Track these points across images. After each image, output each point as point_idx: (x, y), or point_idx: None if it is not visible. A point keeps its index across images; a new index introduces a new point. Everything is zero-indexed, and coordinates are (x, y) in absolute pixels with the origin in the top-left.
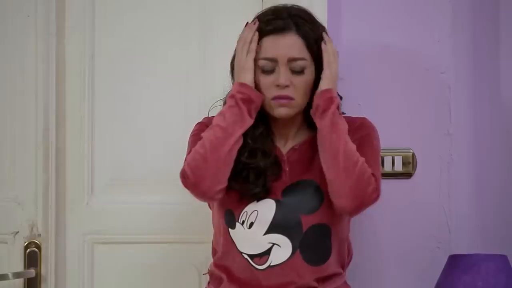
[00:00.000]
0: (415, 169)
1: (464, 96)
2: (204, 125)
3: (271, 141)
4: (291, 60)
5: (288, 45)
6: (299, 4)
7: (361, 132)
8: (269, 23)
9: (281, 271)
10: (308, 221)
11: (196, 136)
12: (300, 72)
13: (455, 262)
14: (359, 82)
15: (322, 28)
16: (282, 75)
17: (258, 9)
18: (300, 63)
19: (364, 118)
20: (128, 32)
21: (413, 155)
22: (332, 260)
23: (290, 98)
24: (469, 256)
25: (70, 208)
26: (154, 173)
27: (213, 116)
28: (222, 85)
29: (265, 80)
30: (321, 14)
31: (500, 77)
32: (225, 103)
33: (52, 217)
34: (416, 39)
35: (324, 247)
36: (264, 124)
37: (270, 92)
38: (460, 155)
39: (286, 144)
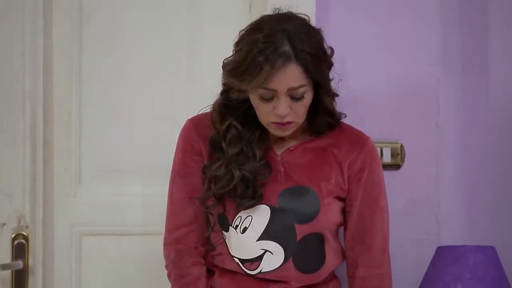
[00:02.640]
0: (404, 161)
1: (453, 88)
2: (189, 138)
3: (265, 142)
4: (291, 89)
5: (289, 76)
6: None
7: (363, 163)
8: (268, 53)
9: (272, 277)
10: (302, 230)
11: (179, 168)
12: (301, 98)
13: (443, 254)
14: (348, 73)
15: (319, 37)
16: (282, 105)
17: (246, 6)
18: (300, 91)
19: (367, 140)
20: (116, 26)
21: (402, 146)
22: (326, 266)
23: (290, 122)
24: (457, 248)
25: (58, 200)
26: (142, 165)
27: (199, 115)
28: (210, 77)
29: (264, 107)
30: (309, 7)
31: (489, 68)
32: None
33: (39, 209)
34: (404, 30)
35: (317, 256)
36: (260, 125)
37: (269, 117)
38: (449, 147)
39: (282, 145)
